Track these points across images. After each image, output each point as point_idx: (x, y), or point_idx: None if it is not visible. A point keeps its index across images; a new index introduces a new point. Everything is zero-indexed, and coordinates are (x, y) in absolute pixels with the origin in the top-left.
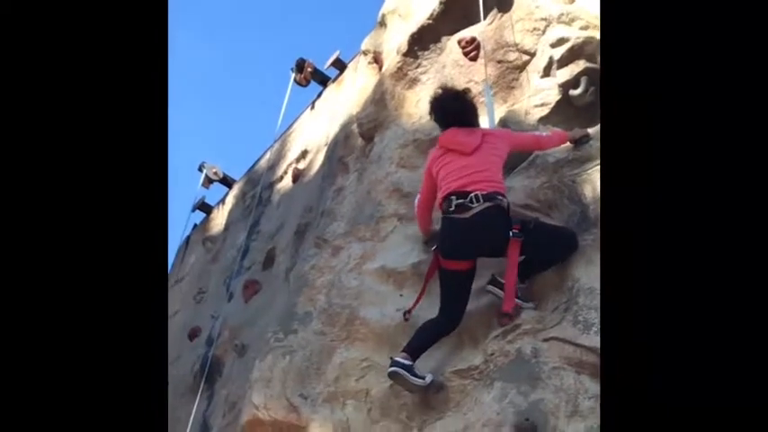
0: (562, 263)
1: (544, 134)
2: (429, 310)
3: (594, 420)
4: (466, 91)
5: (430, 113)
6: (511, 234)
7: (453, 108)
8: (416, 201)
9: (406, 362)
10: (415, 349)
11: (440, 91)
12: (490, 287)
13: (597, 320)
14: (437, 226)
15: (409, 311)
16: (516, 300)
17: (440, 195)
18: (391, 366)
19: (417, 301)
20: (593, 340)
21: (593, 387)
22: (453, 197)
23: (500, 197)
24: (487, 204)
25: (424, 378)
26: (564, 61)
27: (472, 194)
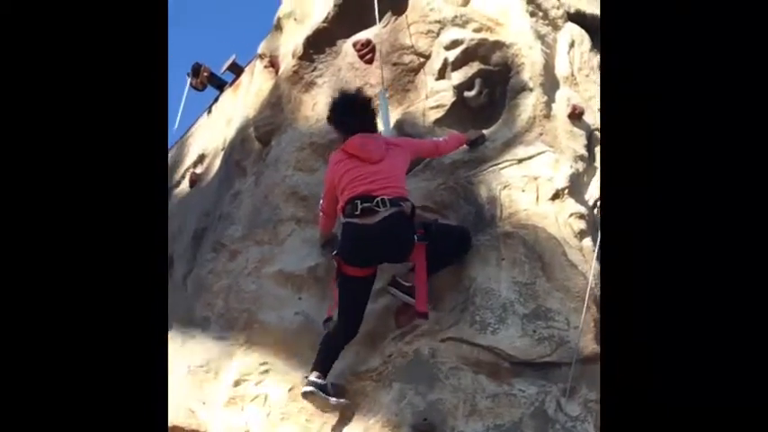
0: (459, 263)
1: (441, 139)
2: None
3: (492, 420)
4: (362, 91)
5: (329, 118)
6: (416, 238)
7: (356, 112)
8: (319, 207)
9: (320, 381)
10: (324, 365)
11: (339, 95)
12: (392, 289)
13: (493, 320)
14: (335, 230)
15: (329, 319)
16: (412, 299)
17: (342, 199)
18: (307, 386)
19: (334, 308)
20: (490, 340)
21: (491, 386)
22: (359, 201)
23: (404, 202)
24: (393, 210)
25: (336, 397)
26: (458, 63)
27: (378, 198)
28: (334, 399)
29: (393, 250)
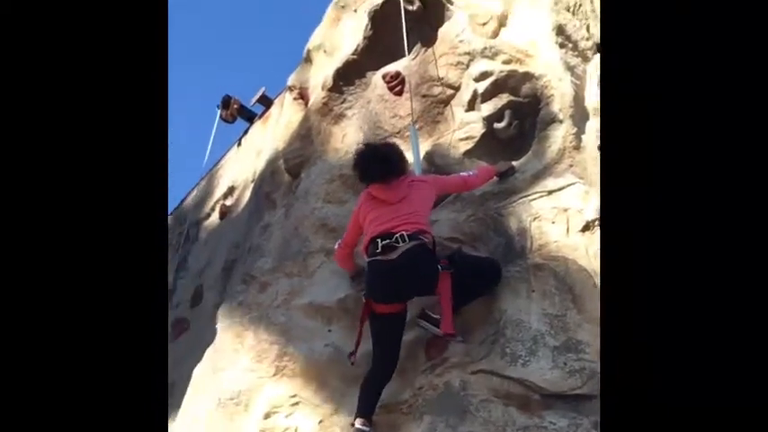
0: (489, 295)
1: (471, 173)
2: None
3: None
4: (385, 141)
5: (353, 168)
6: (440, 268)
7: (377, 163)
8: (337, 245)
9: (366, 428)
10: (367, 409)
11: (361, 147)
12: (421, 321)
13: (524, 352)
14: (359, 260)
15: (353, 354)
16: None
17: (365, 239)
18: None
19: (357, 345)
20: (521, 372)
21: (522, 419)
22: (379, 239)
23: (424, 236)
24: (413, 243)
25: None
26: (488, 95)
27: (397, 234)
28: None
29: (416, 283)
